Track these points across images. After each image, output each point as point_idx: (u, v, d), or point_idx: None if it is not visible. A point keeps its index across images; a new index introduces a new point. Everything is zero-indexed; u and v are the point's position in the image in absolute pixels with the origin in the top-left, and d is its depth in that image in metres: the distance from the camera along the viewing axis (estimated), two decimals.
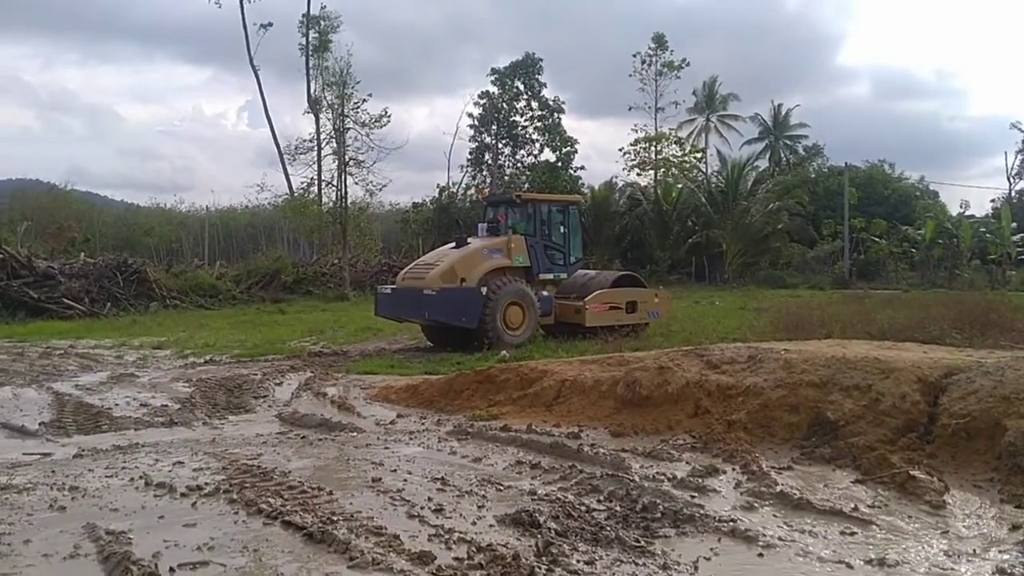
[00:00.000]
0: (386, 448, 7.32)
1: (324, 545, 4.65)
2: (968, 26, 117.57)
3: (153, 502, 5.61)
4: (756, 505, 5.46)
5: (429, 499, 5.57)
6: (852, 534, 4.91)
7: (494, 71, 47.85)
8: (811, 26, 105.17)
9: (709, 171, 49.49)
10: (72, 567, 4.47)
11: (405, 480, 6.11)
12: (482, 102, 47.57)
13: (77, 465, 6.68)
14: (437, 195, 45.98)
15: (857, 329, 12.68)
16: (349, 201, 33.22)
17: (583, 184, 46.39)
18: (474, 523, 5.09)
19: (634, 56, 47.80)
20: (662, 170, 47.82)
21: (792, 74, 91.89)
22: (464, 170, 48.30)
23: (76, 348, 15.80)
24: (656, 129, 48.10)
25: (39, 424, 8.45)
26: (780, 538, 4.84)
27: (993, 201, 55.48)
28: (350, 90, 33.10)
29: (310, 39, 41.10)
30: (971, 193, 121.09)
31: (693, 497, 5.60)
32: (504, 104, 47.43)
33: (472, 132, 47.80)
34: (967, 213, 46.73)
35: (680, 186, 45.00)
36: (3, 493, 5.77)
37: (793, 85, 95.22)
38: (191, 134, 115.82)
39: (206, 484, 5.93)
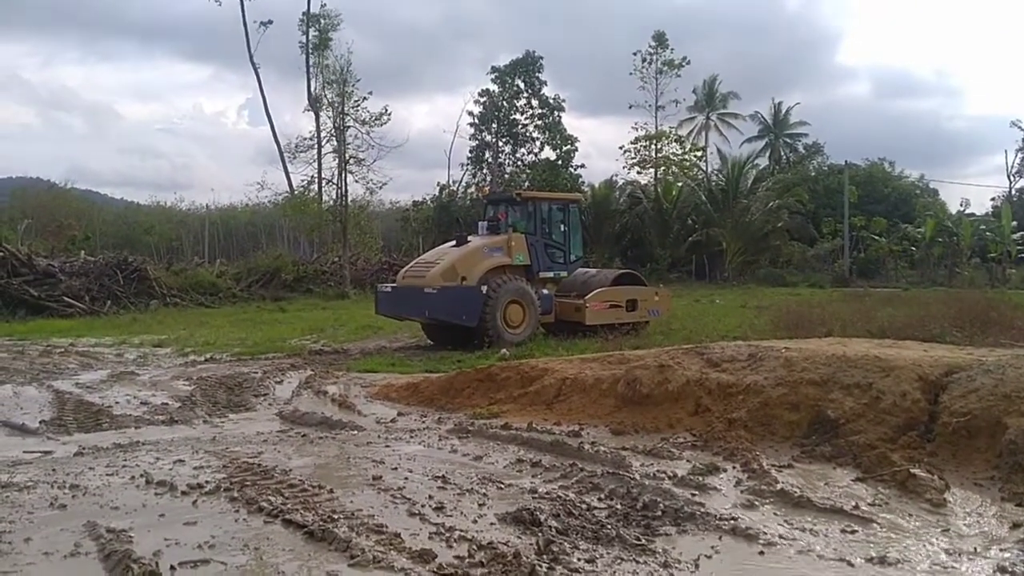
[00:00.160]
0: (387, 446, 7.32)
1: (325, 543, 4.66)
2: (967, 25, 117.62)
3: (154, 500, 5.61)
4: (757, 503, 5.46)
5: (430, 497, 5.57)
6: (853, 532, 4.91)
7: (494, 69, 47.92)
8: (811, 25, 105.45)
9: (709, 169, 49.54)
10: (73, 565, 4.47)
11: (406, 478, 6.11)
12: (482, 100, 47.58)
13: (78, 463, 6.69)
14: (437, 193, 46.01)
15: (857, 327, 12.69)
16: (349, 199, 33.23)
17: (583, 182, 46.41)
18: (475, 521, 5.09)
19: (634, 54, 47.80)
20: (662, 168, 47.78)
21: (792, 72, 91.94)
22: (464, 168, 48.39)
23: (76, 346, 15.80)
24: (656, 127, 48.11)
25: (40, 422, 8.45)
26: (781, 536, 4.84)
27: (993, 199, 55.50)
28: (350, 88, 33.08)
29: (310, 37, 41.06)
30: (971, 191, 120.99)
31: (694, 495, 5.60)
32: (504, 102, 47.42)
33: (472, 130, 47.89)
34: (967, 211, 46.79)
35: (680, 184, 44.96)
36: (4, 491, 5.77)
37: (793, 83, 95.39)
38: (191, 132, 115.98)
39: (207, 482, 5.93)
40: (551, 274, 16.26)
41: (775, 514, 5.27)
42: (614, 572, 4.29)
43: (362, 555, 4.43)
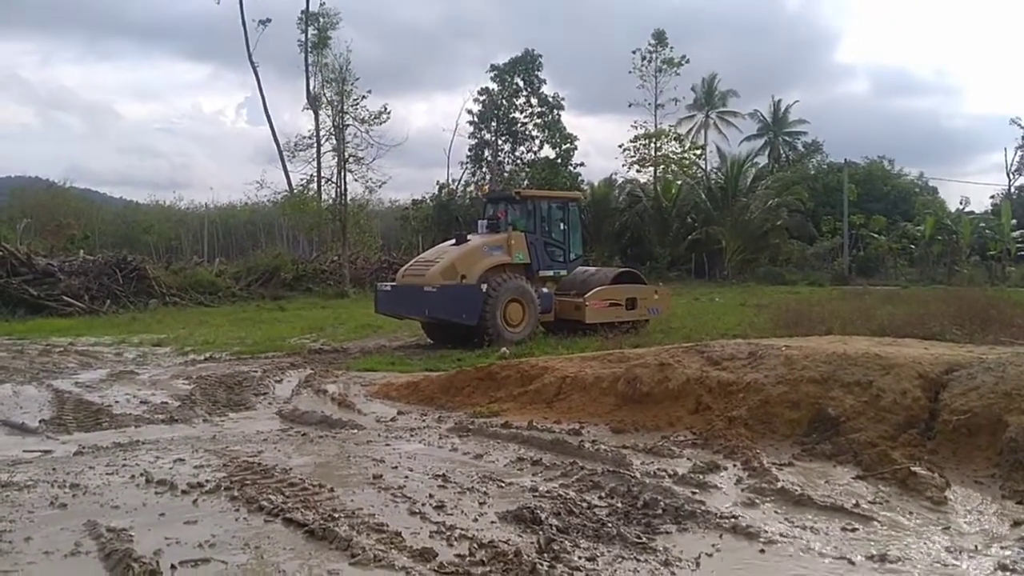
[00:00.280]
0: (387, 445, 7.32)
1: (325, 542, 4.65)
2: (966, 23, 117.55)
3: (154, 499, 5.61)
4: (757, 501, 5.46)
5: (430, 496, 5.56)
6: (853, 530, 4.91)
7: (493, 67, 47.84)
8: (810, 23, 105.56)
9: (708, 168, 49.46)
10: (73, 565, 4.46)
11: (406, 477, 6.10)
12: (482, 99, 47.54)
13: (78, 462, 6.68)
14: (437, 192, 45.99)
15: (857, 325, 12.70)
16: (349, 198, 33.19)
17: (583, 181, 46.37)
18: (475, 520, 5.09)
19: (634, 53, 47.75)
20: (661, 167, 47.75)
21: (791, 71, 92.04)
22: (464, 167, 48.36)
23: (76, 345, 15.79)
24: (656, 126, 48.08)
25: (39, 421, 8.45)
26: (781, 534, 4.84)
27: (993, 197, 55.42)
28: (349, 87, 33.02)
29: (309, 36, 41.02)
30: (970, 189, 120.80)
31: (694, 493, 5.60)
32: (504, 101, 47.36)
33: (472, 129, 47.82)
34: (967, 209, 46.73)
35: (680, 183, 44.93)
36: (4, 490, 5.77)
37: (792, 82, 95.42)
38: (190, 131, 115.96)
39: (207, 481, 5.93)
40: (551, 272, 16.26)
41: (776, 512, 5.27)
42: (615, 570, 4.29)
43: (363, 554, 4.43)
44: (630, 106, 48.30)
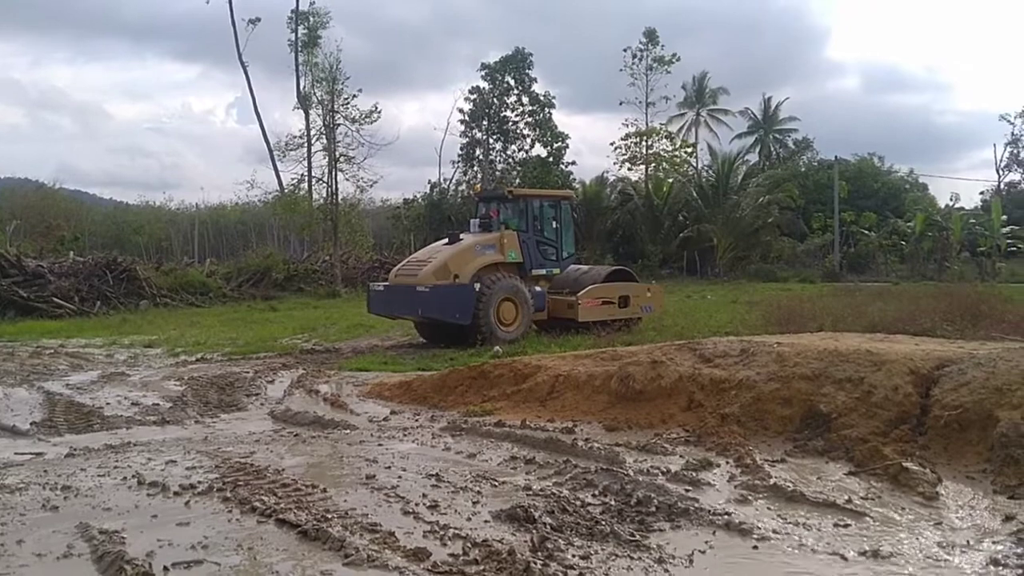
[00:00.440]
0: (380, 445, 7.31)
1: (319, 543, 4.64)
2: (956, 19, 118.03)
3: (146, 501, 5.59)
4: (750, 498, 5.48)
5: (424, 496, 5.56)
6: (846, 526, 4.93)
7: (484, 66, 47.79)
8: (799, 20, 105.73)
9: (699, 165, 49.60)
10: (66, 567, 4.44)
11: (399, 477, 6.10)
12: (473, 97, 47.50)
13: (69, 464, 6.65)
14: (428, 191, 45.96)
15: (848, 322, 12.74)
16: (340, 197, 33.16)
17: (574, 179, 46.41)
18: (469, 519, 5.09)
19: (624, 51, 47.73)
20: (653, 165, 47.79)
21: (781, 68, 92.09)
22: (455, 166, 48.31)
23: (66, 347, 15.71)
24: (647, 124, 48.07)
25: (30, 424, 8.41)
26: (774, 531, 4.85)
27: (982, 193, 55.80)
28: (340, 86, 33.00)
29: (299, 35, 40.98)
30: (960, 185, 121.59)
31: (687, 491, 5.61)
32: (495, 99, 47.32)
33: (463, 128, 47.78)
34: (956, 205, 46.97)
35: (671, 181, 45.02)
36: None
37: (783, 79, 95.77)
38: (180, 131, 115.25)
39: (199, 483, 5.91)
40: (544, 271, 16.27)
41: (768, 509, 5.29)
42: (609, 568, 4.29)
43: (356, 554, 4.42)
44: (621, 104, 48.35)
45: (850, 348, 7.70)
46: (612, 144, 48.88)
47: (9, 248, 25.99)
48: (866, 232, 42.42)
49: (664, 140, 49.31)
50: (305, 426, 8.20)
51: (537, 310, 15.72)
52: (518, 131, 47.84)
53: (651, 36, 47.42)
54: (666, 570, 4.30)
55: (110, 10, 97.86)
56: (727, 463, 6.33)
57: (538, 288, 15.94)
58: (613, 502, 5.35)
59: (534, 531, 4.74)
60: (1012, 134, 54.75)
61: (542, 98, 47.73)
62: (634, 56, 47.33)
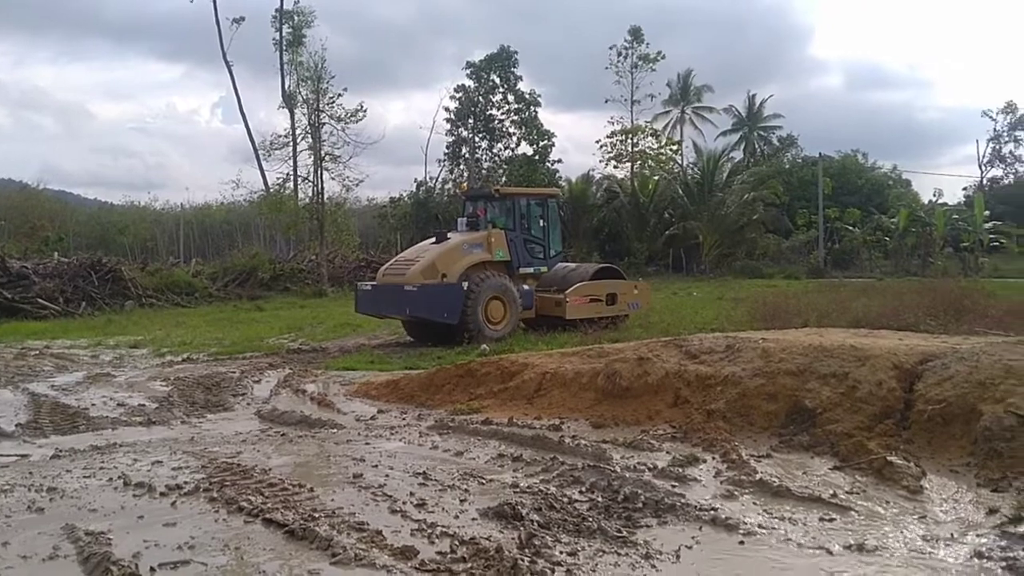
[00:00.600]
0: (367, 444, 7.30)
1: (306, 542, 4.64)
2: (938, 17, 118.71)
3: (132, 502, 5.56)
4: (736, 493, 5.51)
5: (411, 494, 5.56)
6: (831, 520, 4.97)
7: (470, 64, 47.71)
8: (783, 18, 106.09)
9: (685, 163, 49.75)
10: (52, 568, 4.42)
11: (387, 475, 6.10)
12: (458, 96, 47.42)
13: (55, 466, 6.62)
14: (415, 190, 45.84)
15: (833, 317, 12.81)
16: (326, 197, 33.03)
17: (561, 177, 46.41)
18: (457, 517, 5.09)
19: (610, 49, 47.71)
20: (638, 162, 47.86)
21: (765, 65, 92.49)
22: (441, 164, 48.18)
23: (51, 348, 15.60)
24: (632, 122, 48.08)
25: (15, 425, 8.34)
26: (760, 525, 4.88)
27: (965, 189, 56.33)
28: (325, 85, 32.85)
29: (284, 34, 40.81)
30: (943, 181, 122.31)
31: (674, 486, 5.63)
32: (480, 98, 47.26)
33: (449, 126, 47.69)
34: (940, 201, 47.37)
35: (656, 178, 45.12)
36: None
37: (767, 76, 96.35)
38: (164, 131, 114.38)
39: (186, 483, 5.89)
40: (531, 269, 16.28)
41: (754, 504, 5.32)
42: (596, 564, 4.31)
43: (344, 553, 4.42)
44: (606, 102, 48.28)
45: (835, 344, 7.74)
46: (598, 142, 48.90)
47: None
48: (850, 228, 42.68)
49: (649, 138, 49.37)
50: (292, 426, 8.18)
51: (525, 308, 15.74)
52: (504, 129, 47.80)
53: (636, 34, 47.42)
54: (653, 566, 4.32)
55: (93, 10, 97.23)
56: (713, 459, 6.36)
57: (526, 286, 15.96)
58: (600, 499, 5.37)
59: (521, 528, 4.75)
60: (994, 130, 55.33)
61: (528, 96, 47.72)
62: (619, 54, 47.34)
